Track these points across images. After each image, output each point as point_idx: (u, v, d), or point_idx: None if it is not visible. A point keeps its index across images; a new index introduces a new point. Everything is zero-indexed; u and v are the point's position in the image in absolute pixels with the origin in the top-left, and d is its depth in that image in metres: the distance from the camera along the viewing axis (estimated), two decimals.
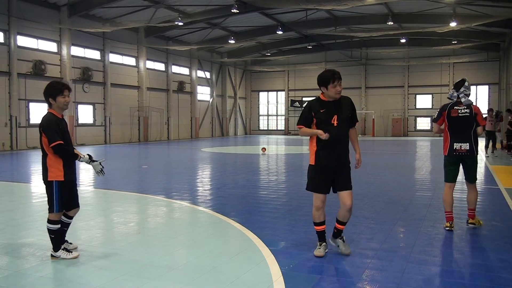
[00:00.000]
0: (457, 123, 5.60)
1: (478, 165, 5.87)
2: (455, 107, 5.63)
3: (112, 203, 7.82)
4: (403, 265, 4.27)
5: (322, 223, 4.59)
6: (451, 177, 5.77)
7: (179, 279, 3.94)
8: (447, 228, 5.57)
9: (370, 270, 4.18)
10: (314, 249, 4.59)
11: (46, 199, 4.49)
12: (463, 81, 5.68)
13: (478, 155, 5.75)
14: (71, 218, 4.66)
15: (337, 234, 4.65)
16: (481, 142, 15.76)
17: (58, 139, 4.30)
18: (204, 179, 10.97)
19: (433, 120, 5.99)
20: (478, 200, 6.08)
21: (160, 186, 9.61)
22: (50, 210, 4.44)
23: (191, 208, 7.16)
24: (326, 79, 4.38)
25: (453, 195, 5.82)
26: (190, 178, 11.01)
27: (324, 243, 4.60)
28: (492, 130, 16.68)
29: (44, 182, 4.45)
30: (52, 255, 4.50)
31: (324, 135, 4.33)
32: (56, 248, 4.49)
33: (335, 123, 4.41)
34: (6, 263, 4.42)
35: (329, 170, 4.46)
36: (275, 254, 4.59)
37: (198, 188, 9.43)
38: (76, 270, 4.21)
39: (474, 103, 5.69)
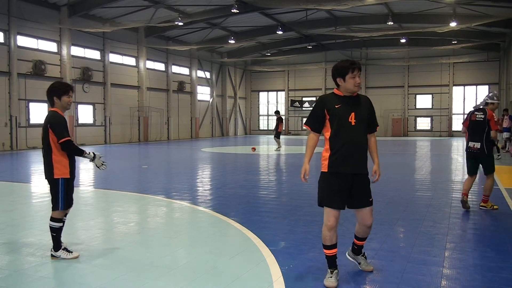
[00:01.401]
0: (474, 126, 6.82)
1: (490, 162, 6.88)
2: (475, 113, 6.87)
3: (112, 203, 7.82)
4: (403, 265, 4.27)
5: (334, 246, 3.82)
6: (469, 171, 7.00)
7: (179, 279, 3.94)
8: (462, 199, 6.85)
9: None
10: (324, 278, 3.83)
11: (47, 198, 4.49)
12: (489, 92, 7.14)
13: (494, 153, 6.94)
14: (66, 216, 4.70)
15: (358, 250, 4.14)
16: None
17: (67, 135, 4.41)
18: (204, 179, 10.97)
19: (462, 123, 7.24)
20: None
21: (160, 186, 9.61)
22: (55, 208, 4.46)
23: (191, 208, 7.16)
24: (344, 68, 3.75)
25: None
26: (190, 178, 11.01)
27: (336, 271, 3.84)
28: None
29: (48, 180, 4.48)
30: (52, 255, 4.51)
31: (303, 178, 3.85)
32: (56, 247, 4.50)
33: (353, 121, 3.74)
34: (6, 263, 4.42)
35: (346, 179, 3.75)
36: (275, 254, 4.59)
37: (198, 188, 9.43)
38: (76, 270, 4.21)
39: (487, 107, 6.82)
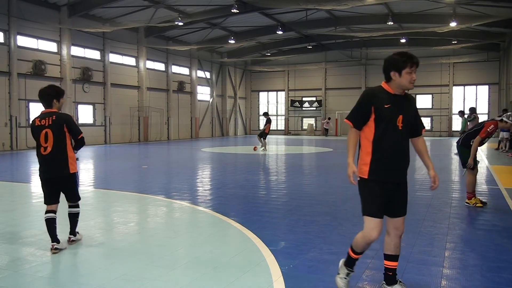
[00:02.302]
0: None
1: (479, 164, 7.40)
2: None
3: (112, 203, 7.82)
4: (403, 265, 4.27)
5: (362, 253, 3.63)
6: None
7: (179, 279, 3.94)
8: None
9: (370, 270, 4.18)
10: (338, 276, 3.68)
11: (67, 195, 4.99)
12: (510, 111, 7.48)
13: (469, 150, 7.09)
14: None
15: (393, 278, 3.59)
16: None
17: (81, 131, 5.00)
18: (204, 179, 10.97)
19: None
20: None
21: (160, 186, 9.61)
22: (77, 199, 5.04)
23: (191, 208, 7.16)
24: (402, 62, 3.32)
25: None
26: (190, 178, 11.01)
27: (352, 273, 3.68)
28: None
29: (64, 176, 4.84)
30: (72, 240, 4.99)
31: (352, 180, 3.42)
32: (75, 231, 5.07)
33: (400, 125, 3.38)
34: (6, 263, 4.42)
35: (388, 187, 3.42)
36: (275, 254, 4.59)
37: (198, 188, 9.43)
38: (76, 270, 4.21)
39: (487, 120, 7.32)
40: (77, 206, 5.05)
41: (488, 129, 6.84)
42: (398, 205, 3.48)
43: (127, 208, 7.32)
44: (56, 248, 4.65)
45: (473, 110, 17.93)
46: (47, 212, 4.80)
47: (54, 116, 4.80)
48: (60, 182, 4.85)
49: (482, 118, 21.87)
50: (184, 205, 7.43)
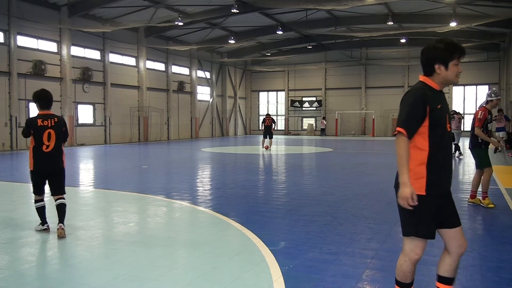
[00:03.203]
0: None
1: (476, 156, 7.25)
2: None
3: (112, 203, 7.82)
4: None
5: (412, 283, 3.04)
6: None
7: (179, 279, 3.94)
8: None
9: (370, 270, 4.18)
10: None
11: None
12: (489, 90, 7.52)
13: (481, 149, 7.10)
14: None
15: None
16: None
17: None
18: (204, 179, 10.97)
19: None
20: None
21: (160, 186, 9.61)
22: (64, 190, 5.56)
23: (191, 208, 7.16)
24: (449, 52, 2.84)
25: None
26: (190, 178, 11.01)
27: None
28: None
29: (60, 171, 5.53)
30: (63, 229, 5.28)
31: (412, 202, 2.81)
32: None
33: (448, 126, 2.95)
34: (6, 263, 4.42)
35: (442, 199, 2.96)
36: (275, 254, 4.59)
37: (198, 188, 9.43)
38: (76, 270, 4.21)
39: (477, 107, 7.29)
40: (64, 197, 5.60)
41: (478, 116, 6.88)
42: (454, 212, 2.99)
43: (127, 208, 7.32)
44: (48, 228, 5.46)
45: (453, 111, 18.12)
46: (39, 201, 5.49)
47: (56, 119, 5.49)
48: (55, 175, 5.51)
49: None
50: (184, 205, 7.43)
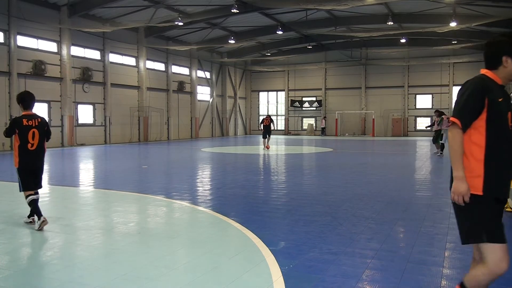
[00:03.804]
0: None
1: None
2: None
3: (112, 203, 7.82)
4: (403, 265, 4.27)
5: None
6: None
7: (179, 279, 3.94)
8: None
9: (370, 270, 4.18)
10: None
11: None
12: None
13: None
14: None
15: None
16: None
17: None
18: (204, 179, 10.97)
19: None
20: None
21: (160, 186, 9.61)
22: (41, 185, 6.02)
23: (191, 208, 7.16)
24: None
25: None
26: (190, 178, 11.01)
27: None
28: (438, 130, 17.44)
29: (40, 167, 5.97)
30: (44, 222, 5.53)
31: (466, 199, 2.65)
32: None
33: (511, 124, 2.70)
34: (6, 263, 4.42)
35: (498, 208, 2.72)
36: (275, 254, 4.59)
37: (198, 188, 9.43)
38: (76, 270, 4.21)
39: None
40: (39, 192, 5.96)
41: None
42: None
43: (127, 208, 7.32)
44: (45, 220, 5.57)
45: (441, 112, 17.72)
46: (31, 195, 5.72)
47: (39, 119, 5.87)
48: (38, 171, 5.92)
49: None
50: (184, 205, 7.43)
